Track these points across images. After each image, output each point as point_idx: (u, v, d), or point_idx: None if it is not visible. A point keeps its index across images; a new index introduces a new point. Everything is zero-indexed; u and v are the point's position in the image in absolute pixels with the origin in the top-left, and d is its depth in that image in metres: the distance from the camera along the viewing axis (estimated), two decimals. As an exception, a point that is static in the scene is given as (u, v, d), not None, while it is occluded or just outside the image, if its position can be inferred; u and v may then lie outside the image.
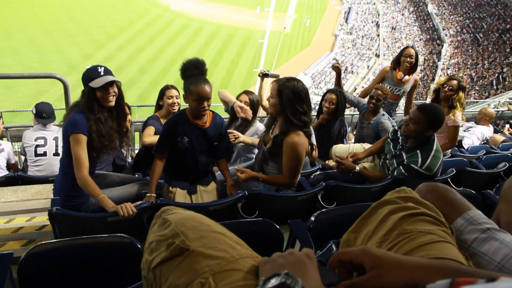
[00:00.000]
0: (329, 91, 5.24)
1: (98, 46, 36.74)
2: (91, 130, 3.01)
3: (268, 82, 5.19)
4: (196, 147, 3.29)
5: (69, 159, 3.04)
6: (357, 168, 3.87)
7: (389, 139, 4.01)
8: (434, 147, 3.56)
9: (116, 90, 3.13)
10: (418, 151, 3.56)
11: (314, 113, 5.70)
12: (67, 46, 35.58)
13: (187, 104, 3.20)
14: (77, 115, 3.01)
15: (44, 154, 4.81)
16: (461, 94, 4.89)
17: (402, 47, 6.00)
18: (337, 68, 5.53)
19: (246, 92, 4.64)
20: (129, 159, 4.92)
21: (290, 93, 3.15)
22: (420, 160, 3.50)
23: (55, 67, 29.71)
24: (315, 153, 3.67)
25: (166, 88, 4.68)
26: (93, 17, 43.92)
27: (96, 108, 3.06)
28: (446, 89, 4.92)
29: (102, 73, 3.04)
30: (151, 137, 4.38)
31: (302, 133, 3.19)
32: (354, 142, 5.26)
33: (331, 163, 4.36)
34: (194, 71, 3.17)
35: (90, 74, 3.04)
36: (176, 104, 4.60)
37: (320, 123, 5.21)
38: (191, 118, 3.26)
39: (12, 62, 30.41)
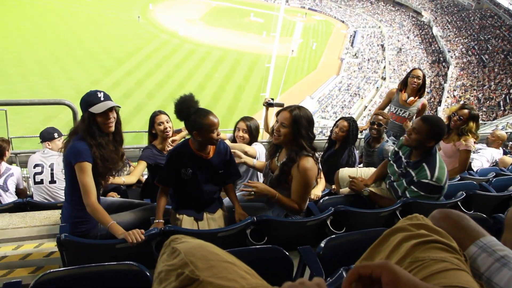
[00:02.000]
0: (342, 118, 5.24)
1: (106, 71, 37.10)
2: (95, 156, 3.01)
3: (274, 111, 5.20)
4: (200, 177, 3.28)
5: (74, 186, 3.04)
6: (368, 189, 3.87)
7: (391, 161, 4.00)
8: (438, 159, 3.57)
9: (115, 115, 3.14)
10: (423, 164, 3.56)
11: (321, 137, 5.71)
12: (76, 71, 35.96)
13: (200, 140, 3.17)
14: (79, 143, 3.01)
15: (41, 182, 4.80)
16: (471, 124, 4.82)
17: (408, 70, 5.99)
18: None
19: (244, 119, 4.64)
20: None
21: (305, 121, 3.19)
22: (428, 173, 3.49)
23: (63, 92, 29.97)
24: (320, 180, 3.68)
25: (155, 115, 4.60)
26: (101, 43, 44.48)
27: (97, 134, 3.06)
28: (455, 118, 4.89)
29: (102, 99, 3.05)
30: (130, 177, 4.35)
31: (311, 159, 3.19)
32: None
33: (344, 190, 4.33)
34: (194, 106, 3.16)
35: (89, 100, 3.03)
36: (168, 128, 4.54)
37: (328, 150, 5.22)
38: (194, 149, 3.25)
39: (21, 88, 30.73)
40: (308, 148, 3.21)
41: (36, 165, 4.82)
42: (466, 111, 4.87)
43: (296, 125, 3.17)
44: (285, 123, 3.20)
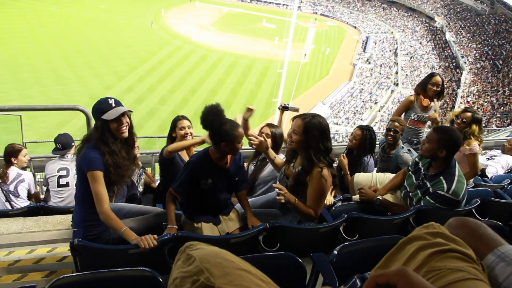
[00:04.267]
0: (358, 126, 5.25)
1: (119, 77, 37.32)
2: (108, 163, 3.04)
3: (287, 115, 5.20)
4: (218, 186, 3.31)
5: (85, 191, 3.07)
6: (380, 197, 3.84)
7: (410, 172, 3.96)
8: (457, 173, 3.53)
9: (128, 120, 3.17)
10: (441, 177, 3.53)
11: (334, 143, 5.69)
12: (89, 77, 36.25)
13: (226, 150, 3.20)
14: (91, 151, 3.04)
15: (67, 184, 4.88)
16: (474, 127, 4.81)
17: (421, 75, 5.91)
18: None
19: (269, 125, 4.60)
20: (140, 188, 4.91)
21: (316, 132, 3.16)
22: (445, 185, 3.46)
23: (77, 98, 30.24)
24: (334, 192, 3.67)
25: (178, 119, 4.65)
26: (114, 49, 44.80)
27: (111, 141, 3.09)
28: (458, 121, 4.87)
29: (113, 105, 3.08)
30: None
31: (325, 169, 3.17)
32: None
33: (355, 197, 4.31)
34: (224, 117, 3.20)
35: (101, 107, 3.07)
36: (189, 134, 4.57)
37: (346, 157, 5.22)
38: (215, 159, 3.27)
39: (35, 93, 31.07)
40: (317, 161, 3.17)
41: (60, 169, 4.92)
42: (469, 114, 4.86)
43: (307, 135, 3.17)
44: (297, 131, 3.20)
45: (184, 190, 3.28)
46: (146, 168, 5.63)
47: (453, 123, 4.96)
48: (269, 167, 4.40)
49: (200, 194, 3.30)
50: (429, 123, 5.80)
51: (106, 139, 3.07)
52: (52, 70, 36.28)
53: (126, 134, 3.17)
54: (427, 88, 5.56)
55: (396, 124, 5.09)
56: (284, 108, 5.08)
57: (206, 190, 3.27)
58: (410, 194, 3.83)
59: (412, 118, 5.72)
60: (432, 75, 5.68)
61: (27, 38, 43.36)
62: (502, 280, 1.26)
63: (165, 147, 4.57)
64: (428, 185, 3.60)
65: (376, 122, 36.85)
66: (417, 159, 3.94)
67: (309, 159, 3.19)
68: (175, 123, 4.63)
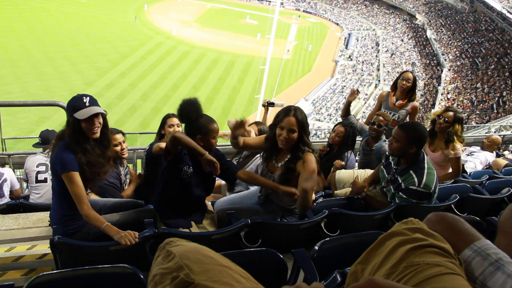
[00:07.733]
0: (340, 123, 5.29)
1: (100, 73, 36.85)
2: (81, 162, 2.99)
3: (270, 111, 5.20)
4: (194, 180, 3.33)
5: (61, 191, 3.03)
6: (363, 194, 3.89)
7: (382, 166, 4.01)
8: (426, 165, 3.57)
9: (101, 120, 3.09)
10: (411, 171, 3.57)
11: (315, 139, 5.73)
12: (70, 73, 35.72)
13: (201, 144, 3.20)
14: (64, 152, 2.99)
15: (45, 180, 4.84)
16: (457, 126, 4.81)
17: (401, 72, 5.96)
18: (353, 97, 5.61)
19: (256, 123, 4.61)
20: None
21: (306, 121, 3.24)
22: (416, 179, 3.51)
23: (57, 94, 29.76)
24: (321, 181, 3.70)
25: (168, 116, 4.71)
26: (96, 45, 44.16)
27: (82, 139, 3.03)
28: (441, 120, 4.87)
29: (87, 104, 3.00)
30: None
31: (313, 154, 3.22)
32: (358, 169, 5.25)
33: (339, 192, 4.34)
34: (201, 110, 3.28)
35: (75, 104, 3.00)
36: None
37: (327, 153, 5.24)
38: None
39: (15, 89, 30.51)
40: (310, 142, 3.25)
41: (39, 164, 4.89)
42: (451, 113, 4.86)
43: (303, 127, 3.20)
44: (294, 128, 3.17)
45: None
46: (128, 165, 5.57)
47: (435, 123, 4.98)
48: (251, 164, 4.40)
49: (177, 184, 3.31)
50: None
51: (77, 137, 3.01)
52: (32, 66, 35.67)
53: (97, 135, 3.09)
54: (398, 83, 5.62)
55: (381, 118, 5.13)
56: (269, 105, 5.10)
57: (184, 181, 3.28)
58: (384, 189, 3.89)
59: None
60: (404, 71, 5.79)
61: (6, 33, 42.48)
62: (478, 275, 1.28)
63: (154, 142, 4.55)
64: (400, 180, 3.65)
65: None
66: (387, 153, 3.99)
67: (306, 144, 3.23)
68: (165, 120, 4.69)
